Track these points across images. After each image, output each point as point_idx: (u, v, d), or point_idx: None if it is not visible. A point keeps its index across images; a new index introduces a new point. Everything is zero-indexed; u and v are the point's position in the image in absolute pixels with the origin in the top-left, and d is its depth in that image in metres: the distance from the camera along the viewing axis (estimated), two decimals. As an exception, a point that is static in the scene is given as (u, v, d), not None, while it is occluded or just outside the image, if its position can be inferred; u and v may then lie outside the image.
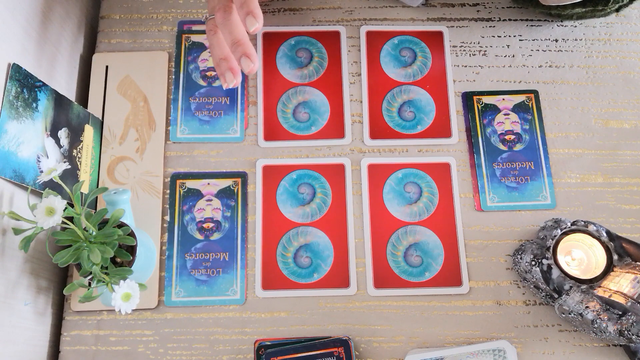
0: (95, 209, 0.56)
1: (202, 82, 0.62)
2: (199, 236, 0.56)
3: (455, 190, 0.59)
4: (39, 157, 0.49)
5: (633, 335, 0.47)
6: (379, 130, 0.61)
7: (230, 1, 0.50)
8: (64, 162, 0.52)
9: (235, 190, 0.58)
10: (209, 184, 0.58)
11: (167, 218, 0.57)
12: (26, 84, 0.48)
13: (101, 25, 0.63)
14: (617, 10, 0.62)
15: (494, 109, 0.62)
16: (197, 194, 0.58)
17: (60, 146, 0.52)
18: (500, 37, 0.65)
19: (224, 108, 0.61)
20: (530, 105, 0.62)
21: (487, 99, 0.62)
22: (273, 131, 0.60)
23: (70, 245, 0.45)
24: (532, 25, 0.65)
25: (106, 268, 0.47)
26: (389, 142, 0.60)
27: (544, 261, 0.52)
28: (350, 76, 0.63)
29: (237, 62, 0.49)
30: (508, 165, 0.60)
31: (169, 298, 0.54)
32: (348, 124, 0.61)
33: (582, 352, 0.54)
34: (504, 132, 0.61)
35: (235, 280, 0.55)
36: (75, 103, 0.55)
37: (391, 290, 0.55)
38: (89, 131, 0.56)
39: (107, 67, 0.61)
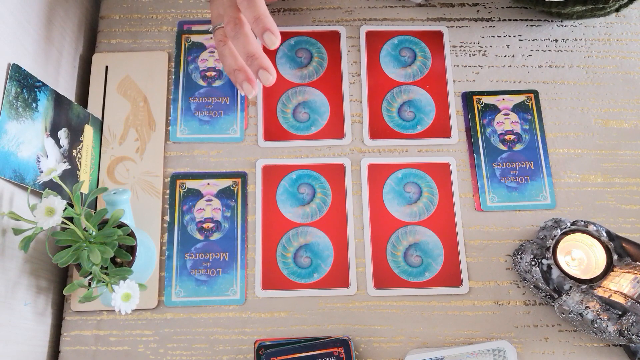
0: (95, 209, 0.56)
1: (202, 82, 0.62)
2: (198, 236, 0.56)
3: (455, 190, 0.59)
4: (38, 157, 0.49)
5: (633, 335, 0.47)
6: (378, 130, 0.61)
7: (238, 12, 0.49)
8: (64, 162, 0.52)
9: (235, 191, 0.58)
10: (208, 184, 0.58)
11: (167, 218, 0.57)
12: (26, 84, 0.48)
13: (101, 25, 0.63)
14: (617, 9, 0.62)
15: (493, 109, 0.62)
16: (197, 194, 0.58)
17: (60, 146, 0.52)
18: (500, 37, 0.65)
19: (223, 108, 0.61)
20: (530, 105, 0.62)
21: (487, 99, 0.62)
22: (273, 131, 0.60)
23: (70, 246, 0.45)
24: (532, 25, 0.65)
25: (106, 268, 0.47)
26: (388, 142, 0.60)
27: (544, 261, 0.52)
28: (350, 76, 0.63)
29: (255, 75, 0.49)
30: (508, 165, 0.60)
31: (169, 298, 0.54)
32: (348, 124, 0.61)
33: (582, 352, 0.54)
34: (503, 132, 0.61)
35: (235, 280, 0.55)
36: (75, 103, 0.55)
37: (391, 290, 0.55)
38: (88, 131, 0.56)
39: (107, 67, 0.61)
